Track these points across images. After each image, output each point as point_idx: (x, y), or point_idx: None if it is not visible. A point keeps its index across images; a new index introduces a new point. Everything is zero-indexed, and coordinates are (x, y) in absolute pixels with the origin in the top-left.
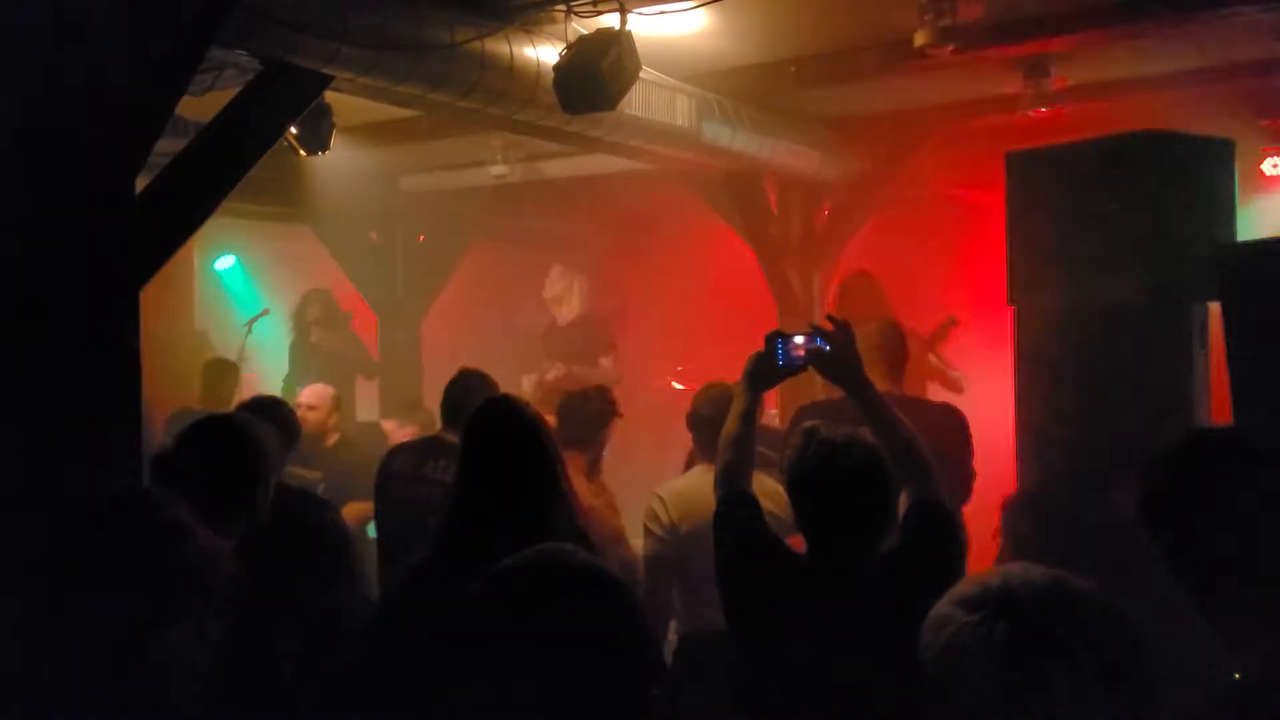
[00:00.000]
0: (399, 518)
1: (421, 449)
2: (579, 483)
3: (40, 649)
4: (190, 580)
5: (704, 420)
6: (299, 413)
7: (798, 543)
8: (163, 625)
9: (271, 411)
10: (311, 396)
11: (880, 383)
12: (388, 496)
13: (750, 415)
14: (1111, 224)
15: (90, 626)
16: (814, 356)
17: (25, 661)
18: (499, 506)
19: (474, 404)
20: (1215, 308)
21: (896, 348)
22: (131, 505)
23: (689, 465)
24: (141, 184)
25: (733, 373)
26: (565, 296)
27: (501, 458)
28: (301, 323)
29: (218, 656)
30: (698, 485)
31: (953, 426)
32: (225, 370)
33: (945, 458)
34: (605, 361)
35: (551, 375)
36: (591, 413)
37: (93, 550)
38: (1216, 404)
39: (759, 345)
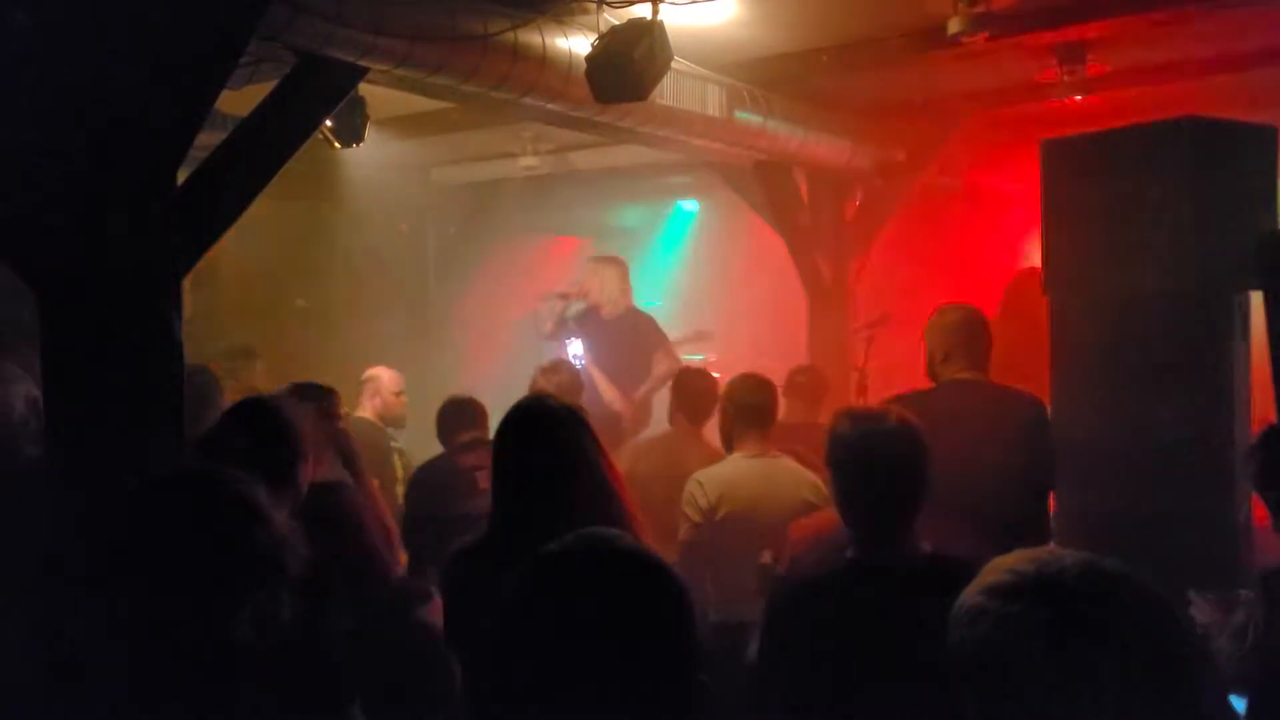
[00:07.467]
0: (460, 528)
1: (477, 463)
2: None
3: (107, 631)
4: (262, 560)
5: (750, 407)
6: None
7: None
8: (234, 606)
9: (314, 397)
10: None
11: (961, 372)
12: (447, 510)
13: None
14: (1150, 213)
15: (157, 608)
16: None
17: (92, 645)
18: (536, 503)
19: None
20: (1257, 296)
21: (979, 337)
22: (202, 485)
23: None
24: (182, 176)
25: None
26: (607, 290)
27: (531, 458)
28: None
29: (287, 637)
30: (736, 471)
31: (1038, 416)
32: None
33: (1033, 447)
34: (660, 359)
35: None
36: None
37: (161, 531)
38: (1258, 394)
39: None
